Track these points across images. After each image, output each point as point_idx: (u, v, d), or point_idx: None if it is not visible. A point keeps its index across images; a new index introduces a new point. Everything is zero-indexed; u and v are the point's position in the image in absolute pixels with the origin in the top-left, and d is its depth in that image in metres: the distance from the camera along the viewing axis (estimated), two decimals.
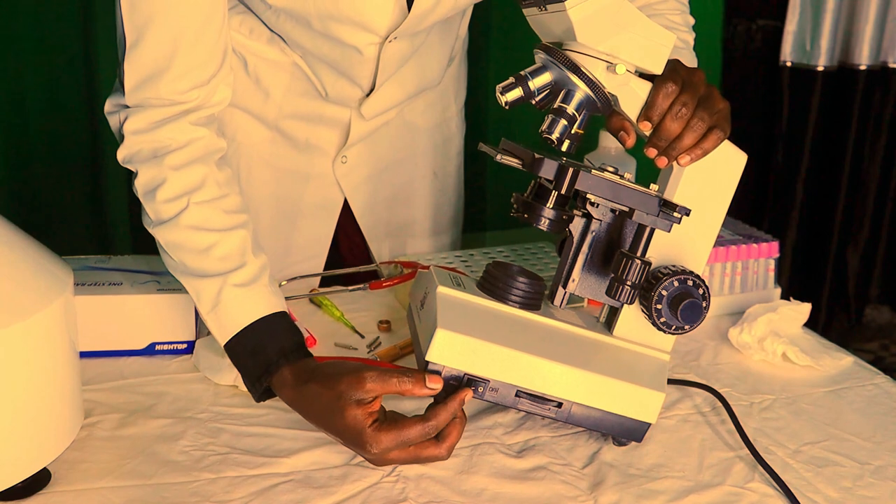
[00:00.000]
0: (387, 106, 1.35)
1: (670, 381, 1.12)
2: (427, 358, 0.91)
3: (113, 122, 1.06)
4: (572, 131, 0.98)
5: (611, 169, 0.99)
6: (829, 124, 2.67)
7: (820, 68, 2.58)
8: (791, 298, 1.28)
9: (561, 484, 0.93)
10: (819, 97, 2.61)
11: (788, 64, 2.60)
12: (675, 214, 0.95)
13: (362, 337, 1.21)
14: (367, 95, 1.32)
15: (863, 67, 2.61)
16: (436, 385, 0.90)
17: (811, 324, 1.29)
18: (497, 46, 2.49)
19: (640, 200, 0.95)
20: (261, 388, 0.97)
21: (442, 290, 0.96)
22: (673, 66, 0.98)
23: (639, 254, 0.96)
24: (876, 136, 2.73)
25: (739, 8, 2.65)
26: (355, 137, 1.37)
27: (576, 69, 0.96)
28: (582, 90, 0.97)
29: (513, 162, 0.98)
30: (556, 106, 0.98)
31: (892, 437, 1.04)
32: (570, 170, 0.93)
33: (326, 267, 1.45)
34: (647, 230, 0.96)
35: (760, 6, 2.67)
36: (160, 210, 1.02)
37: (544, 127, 0.98)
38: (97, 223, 2.42)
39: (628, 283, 0.94)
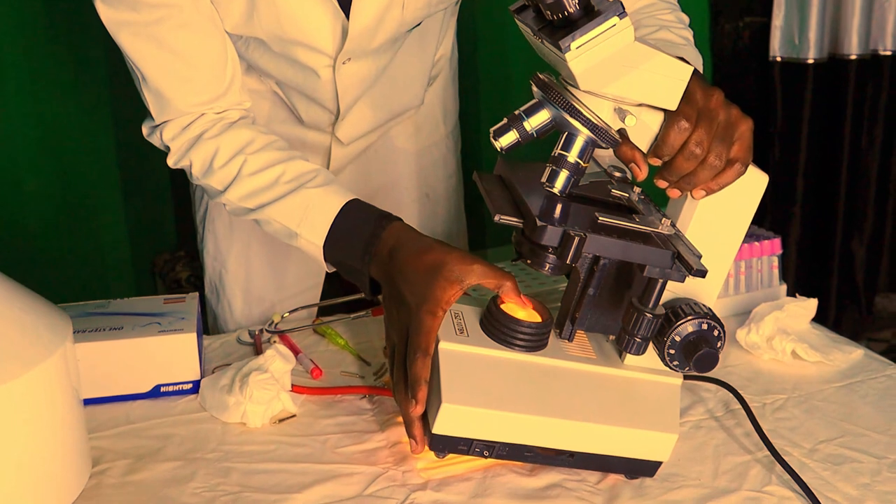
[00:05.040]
0: (362, 130, 1.35)
1: (687, 378, 1.09)
2: (434, 431, 0.90)
3: (154, 140, 1.16)
4: (575, 175, 0.90)
5: (618, 175, 0.97)
6: (824, 116, 2.66)
7: (810, 61, 2.57)
8: (797, 295, 1.27)
9: (576, 501, 0.92)
10: (811, 90, 2.61)
11: (778, 59, 2.59)
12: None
13: (368, 364, 1.20)
14: (338, 119, 1.31)
15: (853, 57, 2.61)
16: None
17: (822, 318, 1.27)
18: (486, 53, 2.46)
19: (652, 257, 0.87)
20: (370, 258, 1.00)
21: (445, 346, 0.93)
22: (689, 92, 0.88)
23: (650, 305, 0.90)
24: (872, 124, 2.72)
25: (725, 6, 2.65)
26: (337, 163, 1.36)
27: (576, 113, 0.87)
28: (584, 134, 0.89)
29: (513, 221, 0.90)
30: (555, 154, 0.89)
31: None
32: (576, 239, 0.86)
33: (326, 296, 1.45)
34: (660, 282, 0.89)
35: (746, 3, 2.67)
36: (222, 176, 1.10)
37: (544, 179, 0.90)
38: (95, 268, 2.42)
39: (638, 337, 0.90)
